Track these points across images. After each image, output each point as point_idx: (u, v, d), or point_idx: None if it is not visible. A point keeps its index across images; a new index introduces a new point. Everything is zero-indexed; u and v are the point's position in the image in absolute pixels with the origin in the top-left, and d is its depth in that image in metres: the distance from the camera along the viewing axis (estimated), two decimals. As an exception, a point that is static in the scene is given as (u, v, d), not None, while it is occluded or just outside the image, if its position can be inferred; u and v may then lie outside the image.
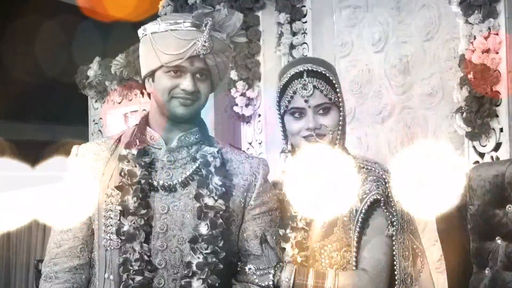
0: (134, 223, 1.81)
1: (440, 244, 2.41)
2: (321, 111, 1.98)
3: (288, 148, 2.08)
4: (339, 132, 2.00)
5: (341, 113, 2.00)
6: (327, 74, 1.99)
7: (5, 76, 6.60)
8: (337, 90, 2.00)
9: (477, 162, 2.99)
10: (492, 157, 2.98)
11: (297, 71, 1.99)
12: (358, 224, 1.89)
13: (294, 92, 1.98)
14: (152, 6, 4.51)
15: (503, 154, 2.94)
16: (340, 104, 2.00)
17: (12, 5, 6.47)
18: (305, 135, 1.99)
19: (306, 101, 1.97)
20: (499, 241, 2.20)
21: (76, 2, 5.85)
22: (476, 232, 2.24)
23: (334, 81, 1.99)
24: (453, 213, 2.30)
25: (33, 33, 6.46)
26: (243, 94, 3.94)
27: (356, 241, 1.89)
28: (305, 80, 1.98)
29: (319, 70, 1.99)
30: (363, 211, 1.90)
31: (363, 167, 1.98)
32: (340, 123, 2.00)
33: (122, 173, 1.84)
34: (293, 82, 1.99)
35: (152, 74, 1.89)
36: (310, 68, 1.99)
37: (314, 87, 1.97)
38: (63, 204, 1.91)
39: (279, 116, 2.05)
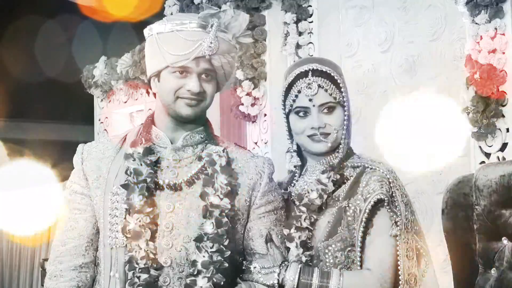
0: (139, 221, 1.81)
1: (445, 245, 2.41)
2: (325, 110, 1.99)
3: (294, 148, 2.09)
4: (344, 131, 2.00)
5: (346, 113, 2.00)
6: (332, 74, 1.99)
7: (10, 76, 6.61)
8: (342, 89, 2.00)
9: (483, 162, 2.99)
10: (498, 157, 2.98)
11: (302, 70, 2.00)
12: (362, 224, 1.90)
13: (299, 91, 1.99)
14: (153, 5, 4.52)
15: (509, 154, 2.94)
16: (345, 103, 2.00)
17: (14, 4, 6.49)
18: (309, 134, 1.99)
19: (310, 100, 1.98)
20: (505, 241, 2.19)
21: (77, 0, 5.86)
22: (482, 232, 2.24)
23: (339, 81, 2.00)
24: (459, 213, 2.30)
25: (39, 34, 6.48)
26: (249, 94, 3.95)
27: (360, 241, 1.89)
28: (309, 79, 1.99)
29: (323, 70, 1.99)
30: (367, 210, 1.90)
31: (368, 167, 1.98)
32: (345, 122, 2.00)
33: (128, 172, 1.84)
34: (298, 81, 2.00)
35: (157, 74, 1.89)
36: (315, 68, 1.99)
37: (319, 86, 1.98)
38: (68, 202, 1.92)
39: (284, 116, 2.05)
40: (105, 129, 5.23)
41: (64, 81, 5.94)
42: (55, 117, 7.71)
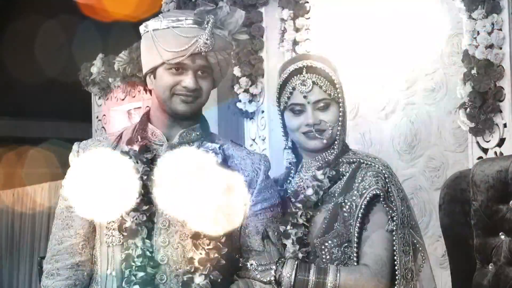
0: (136, 219, 1.82)
1: (444, 240, 2.41)
2: (320, 107, 1.99)
3: (289, 145, 2.09)
4: (339, 128, 2.00)
5: (341, 109, 2.00)
6: (326, 70, 2.00)
7: (9, 75, 6.62)
8: (337, 86, 2.00)
9: (480, 157, 2.98)
10: (495, 153, 2.98)
11: (297, 67, 2.00)
12: (358, 219, 1.90)
13: (294, 88, 2.00)
14: (153, 5, 4.51)
15: (506, 149, 2.94)
16: (340, 100, 2.00)
17: (13, 3, 6.49)
18: (304, 131, 2.00)
19: (305, 97, 1.98)
20: (502, 237, 2.20)
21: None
22: (479, 227, 2.24)
23: (333, 77, 2.00)
24: (456, 209, 2.30)
25: (36, 32, 6.48)
26: (246, 91, 3.95)
27: (356, 237, 1.90)
28: (304, 76, 1.99)
29: (318, 66, 1.99)
30: (363, 206, 1.90)
31: (363, 162, 1.98)
32: (340, 118, 2.00)
33: (124, 169, 1.85)
34: (293, 78, 2.00)
35: (153, 71, 1.89)
36: (309, 64, 2.00)
37: (313, 83, 1.98)
38: (65, 201, 1.92)
39: (279, 113, 2.06)
40: (103, 127, 5.23)
41: (62, 79, 5.95)
42: (54, 115, 7.71)
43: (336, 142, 2.01)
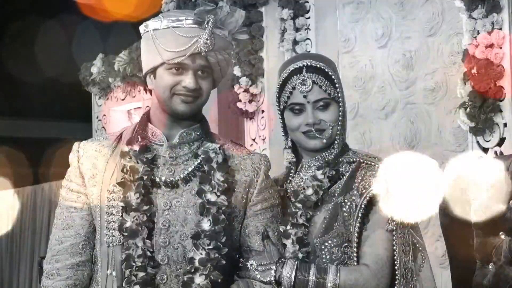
0: (136, 219, 1.81)
1: (444, 240, 2.41)
2: (320, 107, 1.99)
3: (289, 144, 2.09)
4: (338, 127, 2.00)
5: (341, 109, 2.00)
6: (326, 70, 1.99)
7: (9, 74, 6.61)
8: (337, 85, 2.00)
9: (481, 157, 2.98)
10: (496, 152, 2.99)
11: (296, 66, 2.00)
12: (358, 219, 1.90)
13: (293, 88, 1.99)
14: (153, 5, 4.51)
15: (506, 149, 2.94)
16: (340, 99, 2.00)
17: (13, 3, 6.49)
18: (304, 130, 1.99)
19: (305, 96, 1.98)
20: (502, 236, 2.19)
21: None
22: (479, 227, 2.24)
23: (333, 77, 2.00)
24: (456, 208, 2.30)
25: (36, 32, 6.48)
26: (246, 90, 3.95)
27: (356, 236, 1.89)
28: (304, 76, 1.99)
29: (318, 66, 1.99)
30: (363, 206, 1.90)
31: (363, 162, 1.98)
32: (340, 118, 2.00)
33: (124, 169, 1.84)
34: (293, 77, 2.00)
35: (153, 71, 1.89)
36: (309, 64, 1.99)
37: (313, 82, 1.98)
38: (64, 200, 1.91)
39: (279, 112, 2.06)
40: (103, 127, 5.23)
41: (62, 79, 5.95)
42: (53, 115, 7.71)
43: (336, 142, 2.01)
